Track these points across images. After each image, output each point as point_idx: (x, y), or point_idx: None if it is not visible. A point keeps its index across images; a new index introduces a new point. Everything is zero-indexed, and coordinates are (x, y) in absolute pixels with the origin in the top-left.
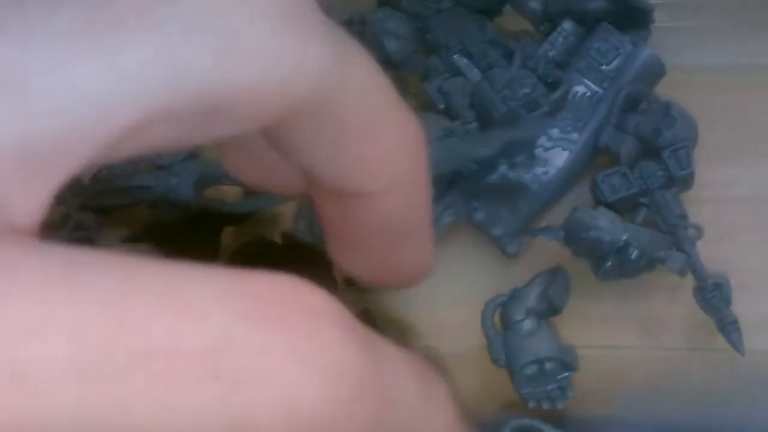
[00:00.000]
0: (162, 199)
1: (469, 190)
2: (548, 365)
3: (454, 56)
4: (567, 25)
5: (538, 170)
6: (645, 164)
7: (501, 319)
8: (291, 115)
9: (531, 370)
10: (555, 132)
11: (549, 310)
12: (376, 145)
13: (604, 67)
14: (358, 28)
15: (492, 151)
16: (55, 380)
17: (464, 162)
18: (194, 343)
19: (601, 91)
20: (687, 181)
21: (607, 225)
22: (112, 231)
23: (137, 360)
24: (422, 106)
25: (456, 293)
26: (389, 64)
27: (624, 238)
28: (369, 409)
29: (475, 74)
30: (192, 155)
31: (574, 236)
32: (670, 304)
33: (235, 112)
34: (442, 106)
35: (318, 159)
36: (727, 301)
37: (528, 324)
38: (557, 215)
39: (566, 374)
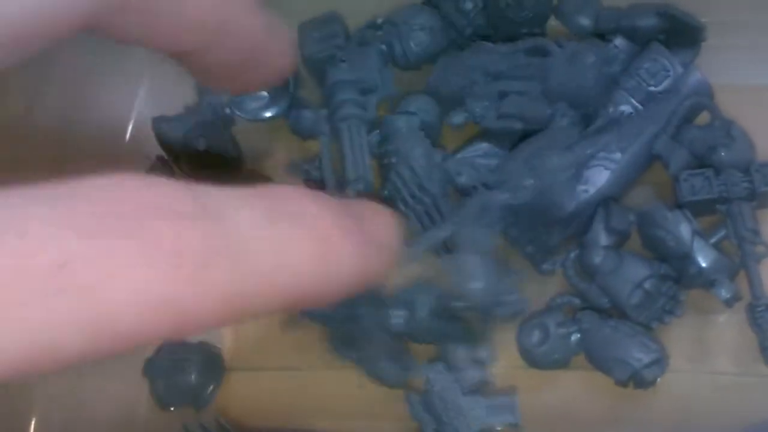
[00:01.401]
0: None
1: (505, 208)
2: (648, 285)
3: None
4: (618, 41)
5: (579, 188)
6: (731, 172)
7: (583, 271)
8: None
9: (636, 297)
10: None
11: (620, 239)
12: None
13: (652, 88)
14: (390, 28)
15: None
16: None
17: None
18: (36, 264)
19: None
20: None
21: (675, 230)
22: None
23: None
24: None
25: None
26: (422, 59)
27: (688, 250)
28: (220, 273)
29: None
30: None
31: (643, 227)
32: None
33: None
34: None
35: (139, 35)
36: None
37: (609, 260)
38: None
39: (669, 283)
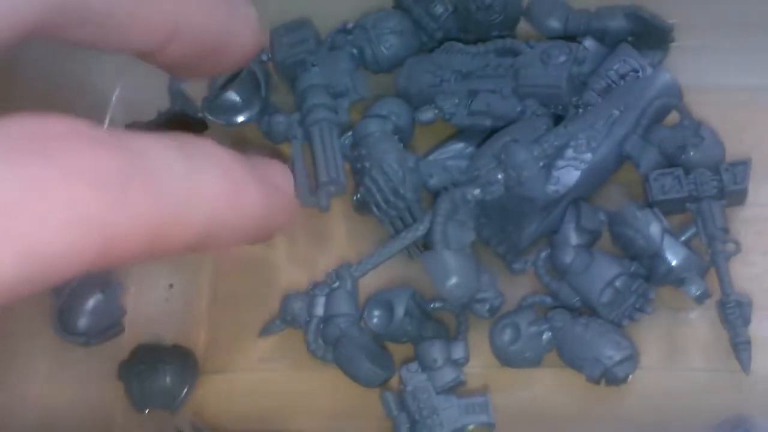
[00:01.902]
0: None
1: (477, 205)
2: (618, 283)
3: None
4: (588, 43)
5: (550, 188)
6: (701, 171)
7: (554, 270)
8: (42, 22)
9: (607, 295)
10: (569, 152)
11: (591, 238)
12: (143, 8)
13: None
14: (360, 33)
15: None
16: None
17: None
18: None
19: (617, 112)
20: (738, 197)
21: (645, 229)
22: None
23: None
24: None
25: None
26: (393, 63)
27: (658, 248)
28: (140, 196)
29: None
30: None
31: (613, 227)
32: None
33: None
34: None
35: (94, 39)
36: (745, 320)
37: (580, 259)
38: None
39: (639, 281)
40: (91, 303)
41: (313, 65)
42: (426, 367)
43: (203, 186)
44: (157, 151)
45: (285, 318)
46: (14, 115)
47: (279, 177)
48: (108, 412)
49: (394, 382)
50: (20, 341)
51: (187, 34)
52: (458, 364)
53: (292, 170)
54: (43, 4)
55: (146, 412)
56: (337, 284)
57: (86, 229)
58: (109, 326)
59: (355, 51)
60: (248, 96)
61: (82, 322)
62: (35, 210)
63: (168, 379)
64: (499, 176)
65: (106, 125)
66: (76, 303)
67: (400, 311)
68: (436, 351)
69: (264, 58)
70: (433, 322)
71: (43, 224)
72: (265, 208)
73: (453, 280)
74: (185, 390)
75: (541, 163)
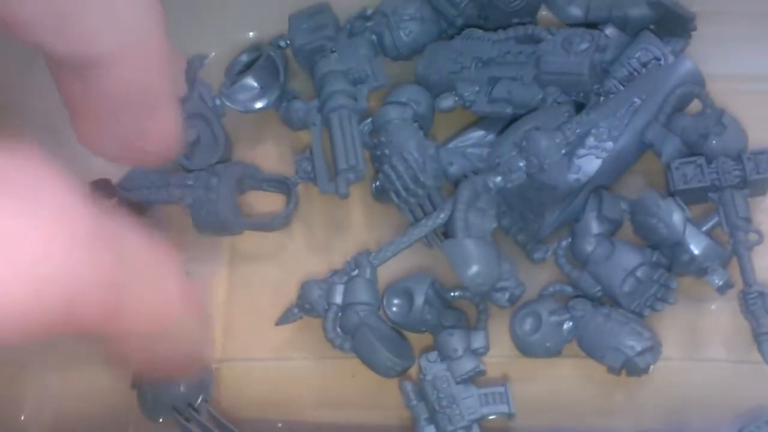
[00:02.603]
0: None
1: (498, 193)
2: (640, 272)
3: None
4: (609, 31)
5: (571, 177)
6: (723, 160)
7: (575, 259)
8: None
9: (629, 284)
10: (590, 140)
11: (612, 227)
12: (102, 12)
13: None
14: (380, 19)
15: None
16: None
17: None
18: None
19: (638, 101)
20: (760, 186)
21: (667, 218)
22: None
23: None
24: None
25: None
26: (413, 50)
27: (680, 237)
28: (102, 256)
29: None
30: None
31: (636, 215)
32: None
33: None
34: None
35: (44, 28)
36: (767, 311)
37: (601, 248)
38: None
39: (661, 271)
40: None
41: (332, 51)
42: (445, 356)
43: None
44: (126, 227)
45: (303, 306)
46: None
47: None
48: (121, 421)
49: (413, 371)
50: (32, 352)
51: (132, 65)
52: (478, 354)
53: (311, 157)
54: None
55: (160, 421)
56: (356, 272)
57: (46, 273)
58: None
59: (374, 37)
60: (266, 82)
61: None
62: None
63: (182, 388)
64: (521, 164)
65: None
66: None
67: (419, 300)
68: (455, 340)
69: (282, 44)
70: (453, 311)
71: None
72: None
73: (474, 269)
74: (200, 399)
75: (563, 151)
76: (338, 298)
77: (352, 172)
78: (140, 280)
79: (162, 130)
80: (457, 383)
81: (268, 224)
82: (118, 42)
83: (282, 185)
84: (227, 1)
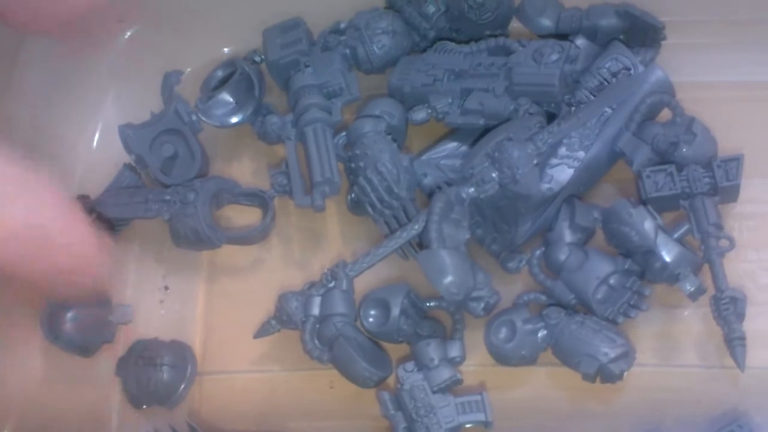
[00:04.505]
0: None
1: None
2: (613, 280)
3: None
4: (580, 41)
5: (543, 186)
6: (694, 168)
7: (548, 268)
8: None
9: (602, 292)
10: (562, 150)
11: (585, 235)
12: None
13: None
14: (353, 33)
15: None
16: None
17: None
18: None
19: (609, 110)
20: (731, 193)
21: (639, 226)
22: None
23: None
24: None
25: None
26: (386, 63)
27: (652, 245)
28: None
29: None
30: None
31: (608, 224)
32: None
33: None
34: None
35: None
36: (739, 316)
37: (574, 257)
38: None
39: (633, 278)
40: (71, 313)
41: (307, 66)
42: (422, 366)
43: None
44: None
45: (281, 318)
46: None
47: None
48: (104, 409)
49: (390, 381)
50: (16, 340)
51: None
52: (454, 363)
53: (287, 171)
54: None
55: (143, 407)
56: (332, 284)
57: None
58: (96, 339)
59: (347, 51)
60: (241, 97)
61: (68, 328)
62: None
63: (165, 376)
64: (494, 174)
65: (98, 130)
66: (60, 310)
67: (395, 310)
68: (432, 350)
69: (257, 59)
70: (429, 321)
71: None
72: None
73: (449, 278)
74: (183, 386)
75: (535, 161)
76: (316, 310)
77: (327, 185)
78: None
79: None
80: (434, 392)
81: (245, 238)
82: None
83: (259, 199)
84: (202, 17)
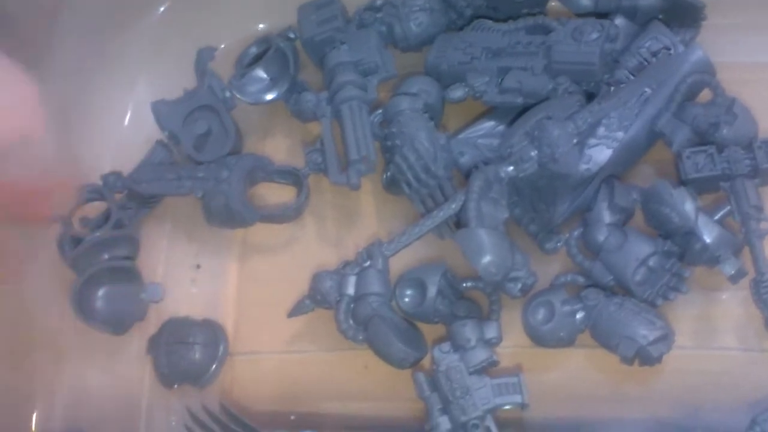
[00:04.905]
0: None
1: (510, 183)
2: (652, 262)
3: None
4: (619, 20)
5: (582, 167)
6: (734, 149)
7: (587, 249)
8: None
9: (640, 273)
10: (601, 130)
11: (624, 216)
12: None
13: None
14: (390, 10)
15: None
16: None
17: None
18: None
19: (649, 91)
20: None
21: (679, 206)
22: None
23: None
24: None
25: None
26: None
27: (692, 226)
28: None
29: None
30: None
31: (648, 204)
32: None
33: None
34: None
35: None
36: None
37: (613, 238)
38: None
39: (673, 260)
40: (102, 291)
41: (342, 43)
42: (458, 347)
43: None
44: None
45: (315, 297)
46: None
47: None
48: (135, 387)
49: (426, 362)
50: (48, 320)
51: None
52: (491, 344)
53: (322, 148)
54: None
55: (174, 387)
56: (368, 263)
57: None
58: (128, 317)
59: (383, 28)
60: (276, 74)
61: (99, 306)
62: None
63: (197, 355)
64: (533, 153)
65: (131, 106)
66: (91, 288)
67: (432, 290)
68: (468, 331)
69: (292, 35)
70: (466, 301)
71: None
72: None
73: (487, 258)
74: (214, 366)
75: (575, 140)
76: (350, 290)
77: (363, 163)
78: None
79: None
80: (470, 374)
81: (279, 216)
82: None
83: (293, 177)
84: None
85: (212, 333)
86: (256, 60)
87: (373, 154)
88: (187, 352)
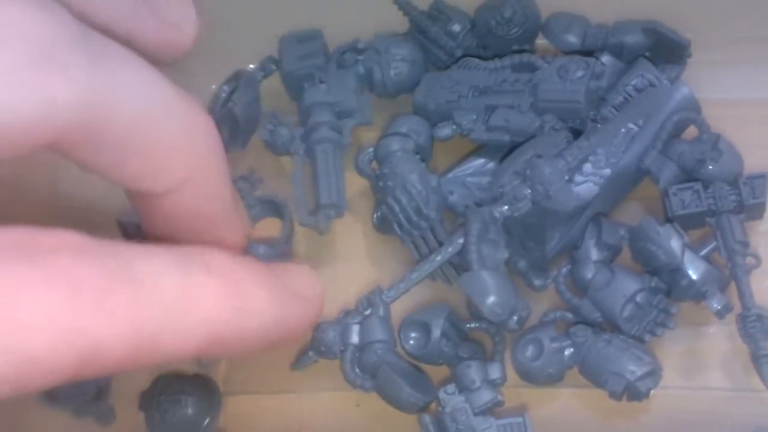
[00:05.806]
0: None
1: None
2: (639, 298)
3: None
4: (605, 58)
5: (572, 203)
6: (719, 185)
7: (575, 286)
8: (57, 141)
9: (628, 310)
10: (587, 167)
11: (612, 253)
12: (159, 151)
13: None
14: (372, 55)
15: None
16: None
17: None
18: None
19: (635, 128)
20: (757, 211)
21: (666, 244)
22: None
23: None
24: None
25: None
26: (400, 89)
27: (679, 263)
28: (123, 301)
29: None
30: None
31: (634, 242)
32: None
33: None
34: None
35: (104, 167)
36: (766, 333)
37: (601, 275)
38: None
39: (660, 296)
40: None
41: (321, 82)
42: (464, 388)
43: (198, 294)
44: (145, 260)
45: (318, 348)
46: (5, 226)
47: (303, 284)
48: None
49: (431, 404)
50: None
51: (197, 187)
52: (495, 385)
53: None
54: (66, 121)
55: None
56: (369, 311)
57: (69, 335)
58: (88, 392)
59: (362, 71)
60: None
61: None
62: (14, 313)
63: (190, 410)
64: (526, 192)
65: None
66: None
67: (437, 332)
68: (473, 372)
69: (273, 66)
70: (470, 342)
71: (21, 327)
72: (280, 314)
73: (492, 299)
74: (207, 420)
75: (566, 177)
76: (354, 338)
77: (333, 209)
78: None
79: (224, 239)
80: (476, 415)
81: (271, 253)
82: (177, 176)
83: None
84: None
85: (204, 388)
86: (231, 95)
87: (344, 201)
88: (179, 409)
